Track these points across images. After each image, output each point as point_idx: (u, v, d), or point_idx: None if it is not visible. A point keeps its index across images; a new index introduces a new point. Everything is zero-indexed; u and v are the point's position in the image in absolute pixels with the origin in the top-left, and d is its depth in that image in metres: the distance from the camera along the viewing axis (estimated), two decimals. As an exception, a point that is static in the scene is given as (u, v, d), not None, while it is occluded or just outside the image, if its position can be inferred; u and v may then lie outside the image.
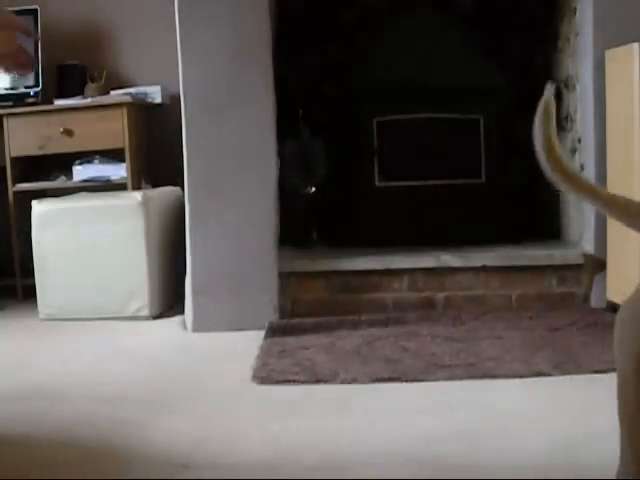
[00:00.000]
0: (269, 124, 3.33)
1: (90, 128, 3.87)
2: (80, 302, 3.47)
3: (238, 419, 2.12)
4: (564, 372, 2.41)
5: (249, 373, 2.51)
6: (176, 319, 3.37)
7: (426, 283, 3.33)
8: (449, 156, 3.78)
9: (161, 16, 3.89)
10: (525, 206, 4.06)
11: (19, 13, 4.07)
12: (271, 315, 3.21)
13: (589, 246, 3.31)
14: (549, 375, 2.39)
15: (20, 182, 3.99)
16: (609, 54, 3.11)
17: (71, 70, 4.15)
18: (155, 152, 4.11)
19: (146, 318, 3.42)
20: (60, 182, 3.94)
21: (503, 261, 3.32)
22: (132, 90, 4.06)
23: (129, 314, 3.42)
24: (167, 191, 3.81)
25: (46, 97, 4.04)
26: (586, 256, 3.30)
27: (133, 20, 4.25)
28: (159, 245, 3.55)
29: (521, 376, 2.39)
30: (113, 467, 1.80)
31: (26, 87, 4.05)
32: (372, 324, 3.08)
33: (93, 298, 3.45)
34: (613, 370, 2.45)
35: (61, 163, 3.93)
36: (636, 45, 2.88)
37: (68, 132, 3.82)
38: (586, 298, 3.30)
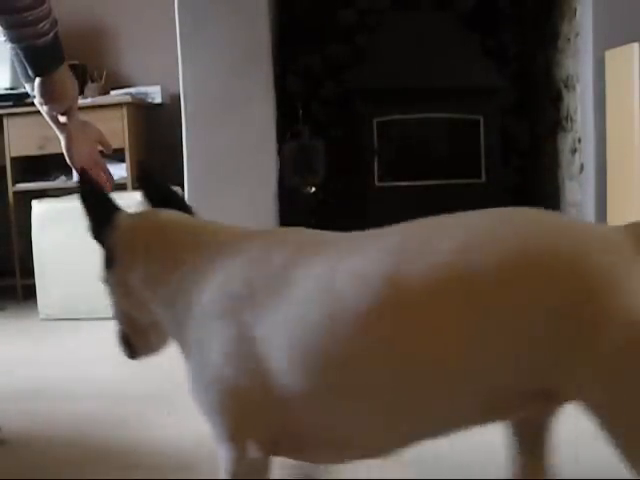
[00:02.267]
0: (269, 124, 3.33)
1: (90, 128, 3.86)
2: (80, 302, 3.47)
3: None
4: (564, 372, 2.40)
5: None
6: (176, 319, 3.36)
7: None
8: (449, 156, 3.79)
9: (161, 16, 3.89)
10: (525, 206, 4.06)
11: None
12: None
13: (589, 246, 3.30)
14: (549, 375, 2.38)
15: (20, 182, 3.99)
16: (609, 54, 3.11)
17: (71, 70, 4.15)
18: (155, 152, 4.12)
19: (146, 318, 3.41)
20: (60, 182, 3.94)
21: (503, 261, 3.32)
22: (132, 90, 4.06)
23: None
24: (167, 191, 3.80)
25: (46, 97, 4.03)
26: (586, 256, 3.29)
27: (133, 20, 4.26)
28: (159, 245, 3.54)
29: (521, 376, 2.38)
30: (113, 467, 1.80)
31: (26, 87, 4.04)
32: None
33: (93, 298, 3.44)
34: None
35: (61, 163, 3.90)
36: (636, 45, 2.88)
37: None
38: (586, 298, 3.29)
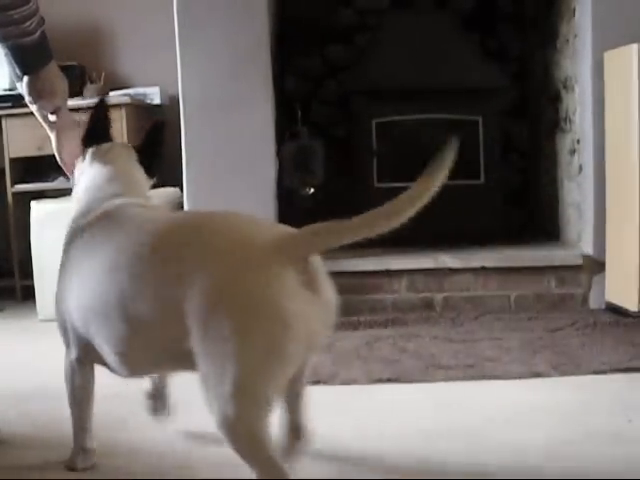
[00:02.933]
0: (268, 125, 3.33)
1: (89, 129, 3.86)
2: (79, 303, 3.46)
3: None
4: (563, 373, 2.41)
5: (248, 374, 2.51)
6: (175, 320, 3.35)
7: (425, 284, 3.33)
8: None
9: (160, 17, 3.89)
10: (524, 207, 4.06)
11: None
12: (270, 316, 3.20)
13: (588, 247, 3.31)
14: (548, 376, 2.39)
15: (19, 183, 3.99)
16: (608, 55, 3.11)
17: (70, 71, 4.13)
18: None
19: (145, 319, 3.41)
20: (59, 183, 3.94)
21: (502, 262, 3.33)
22: (131, 91, 4.06)
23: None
24: (166, 192, 3.80)
25: (45, 98, 4.03)
26: (585, 257, 3.30)
27: (132, 21, 4.26)
28: (158, 246, 3.54)
29: (520, 377, 2.39)
30: (113, 467, 1.80)
31: (25, 88, 4.04)
32: (371, 325, 3.08)
33: (92, 299, 3.44)
34: (613, 371, 2.46)
35: (60, 164, 3.93)
36: (635, 46, 2.88)
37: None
38: (585, 299, 3.30)
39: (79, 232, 1.74)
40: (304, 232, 1.42)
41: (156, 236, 1.51)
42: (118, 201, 1.72)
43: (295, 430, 1.66)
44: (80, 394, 1.78)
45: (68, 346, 1.75)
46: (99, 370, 2.64)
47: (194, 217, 1.62)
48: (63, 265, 1.81)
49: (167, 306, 1.42)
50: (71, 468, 1.77)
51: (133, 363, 1.62)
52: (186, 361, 1.41)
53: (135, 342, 1.53)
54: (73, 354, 1.73)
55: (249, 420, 1.35)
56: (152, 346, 1.51)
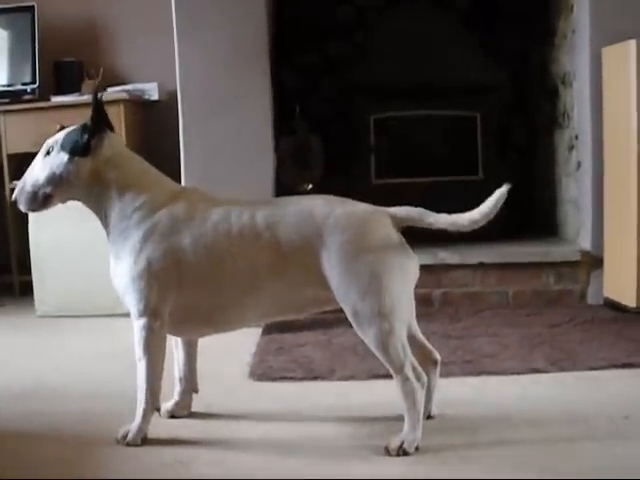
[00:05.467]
0: (266, 121, 3.33)
1: (87, 125, 3.85)
2: (77, 299, 3.46)
3: (235, 416, 2.12)
4: (561, 369, 2.41)
5: (246, 370, 2.51)
6: (173, 316, 3.35)
7: (423, 280, 3.28)
8: (446, 153, 3.79)
9: (158, 13, 3.89)
10: (522, 203, 4.06)
11: (16, 10, 4.06)
12: (268, 312, 3.20)
13: (586, 243, 3.31)
14: (546, 372, 2.39)
15: (17, 179, 3.98)
16: (606, 51, 3.11)
17: (68, 67, 4.15)
18: (152, 149, 4.11)
19: (143, 315, 3.40)
20: (57, 179, 3.93)
21: (500, 258, 3.33)
22: (129, 87, 4.05)
23: (126, 311, 3.41)
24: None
25: (43, 94, 4.03)
26: (583, 253, 3.30)
27: (130, 17, 4.25)
28: (156, 242, 3.54)
29: (518, 373, 2.39)
30: (111, 466, 1.80)
31: (23, 84, 4.04)
32: (369, 321, 3.08)
33: (90, 295, 3.44)
34: (610, 367, 2.46)
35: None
36: (633, 42, 2.88)
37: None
38: (583, 295, 3.30)
39: (190, 212, 1.90)
40: (400, 208, 2.00)
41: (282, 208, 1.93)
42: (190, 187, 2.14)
43: (425, 354, 1.99)
44: (158, 359, 1.97)
45: (146, 314, 1.93)
46: (90, 364, 2.64)
47: (305, 199, 2.02)
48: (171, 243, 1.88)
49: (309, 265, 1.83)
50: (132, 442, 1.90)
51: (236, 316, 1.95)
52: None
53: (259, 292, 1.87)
54: (154, 321, 1.93)
55: (399, 332, 1.80)
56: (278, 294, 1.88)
